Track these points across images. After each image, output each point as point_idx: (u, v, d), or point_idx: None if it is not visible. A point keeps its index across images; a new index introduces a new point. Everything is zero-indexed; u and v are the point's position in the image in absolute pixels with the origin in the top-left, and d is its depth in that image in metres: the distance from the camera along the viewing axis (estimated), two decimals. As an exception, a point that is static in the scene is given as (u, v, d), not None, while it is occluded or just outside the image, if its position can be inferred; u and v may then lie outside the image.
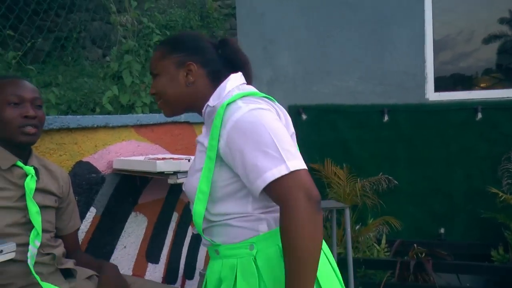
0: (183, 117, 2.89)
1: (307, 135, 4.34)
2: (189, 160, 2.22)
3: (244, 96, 1.25)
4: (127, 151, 2.49)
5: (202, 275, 2.58)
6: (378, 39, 4.32)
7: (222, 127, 1.21)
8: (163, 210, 2.78)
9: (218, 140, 1.21)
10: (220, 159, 1.24)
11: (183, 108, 1.42)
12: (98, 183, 2.32)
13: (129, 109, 3.32)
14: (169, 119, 2.78)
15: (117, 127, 2.44)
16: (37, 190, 1.65)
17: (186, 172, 2.21)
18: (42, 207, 1.66)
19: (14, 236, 1.56)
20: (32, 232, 1.60)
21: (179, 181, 2.17)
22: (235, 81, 1.34)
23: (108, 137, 2.39)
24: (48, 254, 1.67)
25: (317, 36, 4.43)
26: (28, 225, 1.61)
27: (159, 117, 2.72)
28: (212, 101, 1.32)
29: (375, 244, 4.08)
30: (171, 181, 2.17)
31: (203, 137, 1.32)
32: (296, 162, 1.12)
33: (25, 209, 1.61)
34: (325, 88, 4.42)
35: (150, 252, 2.69)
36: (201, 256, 3.16)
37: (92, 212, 2.28)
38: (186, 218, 2.99)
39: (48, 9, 3.69)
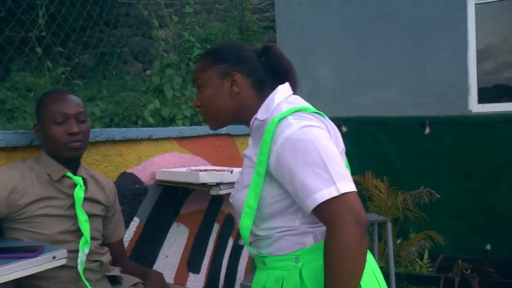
0: (224, 129, 2.93)
1: (347, 147, 4.19)
2: (231, 172, 2.24)
3: (295, 112, 1.22)
4: (170, 162, 2.54)
5: (243, 286, 2.58)
6: (419, 49, 4.26)
7: (272, 143, 1.19)
8: (204, 221, 2.80)
9: (268, 156, 1.20)
10: (269, 175, 1.22)
11: (229, 120, 1.39)
12: (142, 194, 2.37)
13: (170, 121, 3.38)
14: (210, 132, 2.81)
15: (160, 139, 2.49)
16: (85, 199, 1.70)
17: (228, 183, 2.23)
18: (90, 216, 1.71)
19: (65, 243, 1.61)
20: (82, 239, 1.66)
21: (221, 192, 2.19)
22: (283, 93, 1.31)
23: (152, 149, 2.44)
24: (96, 261, 1.72)
25: (356, 47, 4.42)
26: (77, 232, 1.66)
27: (201, 129, 2.77)
28: (260, 114, 1.29)
29: (417, 259, 3.99)
30: (213, 192, 2.20)
31: (250, 151, 1.30)
32: (346, 184, 1.10)
33: (74, 217, 1.66)
34: (365, 100, 4.39)
35: (191, 262, 2.72)
36: (241, 267, 3.17)
37: (135, 222, 2.33)
38: (227, 229, 3.01)
39: (93, 25, 3.83)
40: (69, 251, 1.57)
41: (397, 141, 4.32)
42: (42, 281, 1.58)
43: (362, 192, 4.18)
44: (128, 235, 2.31)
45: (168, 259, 2.54)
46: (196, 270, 2.77)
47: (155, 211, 2.45)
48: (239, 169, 2.33)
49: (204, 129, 2.79)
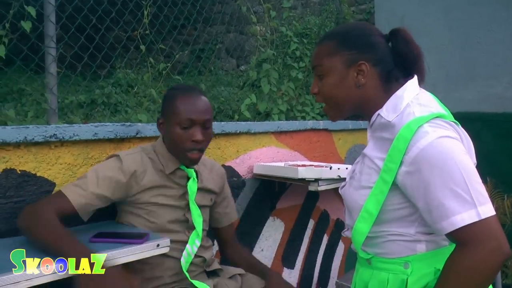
0: (322, 124, 2.89)
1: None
2: (330, 168, 2.20)
3: (432, 119, 1.12)
4: (267, 156, 2.55)
5: (338, 285, 2.53)
6: (534, 39, 3.89)
7: (406, 152, 1.10)
8: (300, 217, 2.79)
9: (399, 166, 1.12)
10: (395, 184, 1.14)
11: (351, 112, 1.29)
12: (239, 187, 2.41)
13: (266, 116, 3.39)
14: (308, 126, 2.79)
15: (258, 133, 2.51)
16: (197, 190, 1.72)
17: (327, 180, 2.19)
18: (201, 207, 1.73)
19: (173, 233, 1.66)
20: (193, 233, 1.69)
21: (320, 188, 2.16)
22: (412, 91, 1.22)
23: (250, 143, 2.46)
24: (200, 256, 1.73)
25: (461, 37, 4.14)
26: (186, 223, 1.70)
27: (299, 124, 2.75)
28: (386, 113, 1.20)
29: (526, 270, 3.67)
30: (312, 188, 2.17)
31: (372, 152, 1.21)
32: (488, 207, 1.04)
33: (185, 208, 1.70)
34: (469, 94, 4.10)
35: (286, 257, 2.71)
36: (335, 265, 3.11)
37: (233, 215, 2.36)
38: (322, 226, 2.97)
39: (194, 23, 3.95)
40: (176, 241, 1.63)
41: (504, 139, 3.98)
42: (146, 266, 1.63)
43: (463, 193, 3.92)
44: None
45: (264, 252, 2.56)
46: (291, 266, 2.76)
47: (252, 204, 2.47)
48: (338, 165, 2.29)
49: (302, 124, 2.78)
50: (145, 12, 2.88)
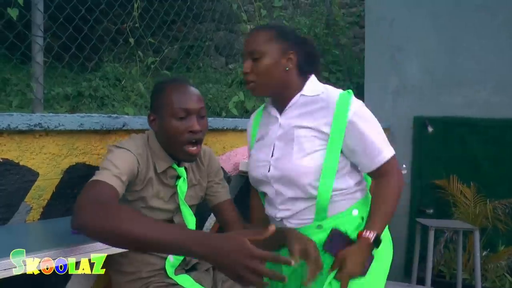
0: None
1: (432, 148, 4.10)
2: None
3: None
4: (253, 154, 2.54)
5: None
6: (520, 45, 3.94)
7: (348, 112, 1.52)
8: (284, 215, 2.78)
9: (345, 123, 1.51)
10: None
11: (274, 90, 1.61)
12: (225, 184, 2.39)
13: (253, 114, 3.40)
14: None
15: (245, 130, 2.48)
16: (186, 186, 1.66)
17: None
18: (190, 206, 1.69)
19: None
20: None
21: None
22: (317, 81, 1.64)
23: (236, 139, 2.46)
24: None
25: (448, 42, 4.18)
26: (171, 223, 1.64)
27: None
28: (309, 92, 1.59)
29: (506, 275, 3.71)
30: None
31: (306, 123, 1.55)
32: (392, 148, 1.60)
33: (173, 210, 1.65)
34: (455, 99, 4.14)
35: (268, 256, 2.70)
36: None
37: (217, 211, 2.35)
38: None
39: (183, 19, 3.94)
40: None
41: (488, 144, 4.03)
42: (125, 260, 1.61)
43: (446, 197, 3.96)
44: (209, 224, 2.34)
45: (247, 250, 2.55)
46: (273, 264, 2.76)
47: (237, 201, 2.44)
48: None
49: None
50: (135, 5, 2.87)
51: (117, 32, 3.45)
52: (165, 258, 1.64)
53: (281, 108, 1.64)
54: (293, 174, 1.53)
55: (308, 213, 1.58)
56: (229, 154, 2.42)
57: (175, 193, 1.64)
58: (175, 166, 1.62)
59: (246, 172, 2.42)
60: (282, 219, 1.62)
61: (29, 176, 1.63)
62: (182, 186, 1.63)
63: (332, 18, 4.52)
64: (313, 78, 1.63)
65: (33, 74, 2.27)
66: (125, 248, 1.24)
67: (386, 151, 1.56)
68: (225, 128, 2.38)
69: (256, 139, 1.75)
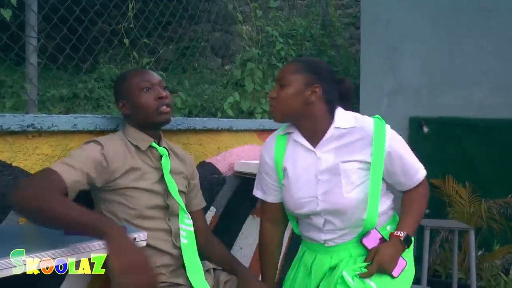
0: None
1: (428, 149, 4.10)
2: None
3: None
4: (249, 154, 2.54)
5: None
6: (516, 46, 3.94)
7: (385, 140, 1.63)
8: (279, 216, 2.78)
9: (384, 151, 1.62)
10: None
11: (292, 119, 1.70)
12: (219, 184, 2.39)
13: (249, 115, 3.40)
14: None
15: (240, 131, 2.50)
16: (170, 172, 1.72)
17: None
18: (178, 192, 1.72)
19: (153, 220, 1.64)
20: (180, 211, 1.69)
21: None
22: (344, 111, 1.71)
23: (231, 140, 2.46)
24: (179, 248, 1.70)
25: (445, 44, 4.19)
26: (166, 209, 1.69)
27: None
28: (341, 124, 1.65)
29: (501, 274, 3.71)
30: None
31: (347, 157, 1.63)
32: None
33: (164, 193, 1.69)
34: (451, 100, 4.15)
35: (264, 256, 2.70)
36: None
37: (212, 211, 2.35)
38: (301, 226, 2.97)
39: (179, 19, 3.93)
40: (157, 229, 1.63)
41: (483, 145, 4.04)
42: None
43: (442, 197, 3.96)
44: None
45: (243, 251, 2.55)
46: (269, 265, 2.75)
47: (232, 202, 2.46)
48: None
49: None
50: (130, 6, 2.86)
51: (112, 33, 3.45)
52: (168, 256, 1.66)
53: (313, 140, 1.69)
54: (345, 207, 1.62)
55: (353, 234, 1.67)
56: (224, 155, 2.41)
57: (162, 176, 1.70)
58: (155, 145, 1.72)
59: (241, 173, 2.43)
60: (325, 240, 1.71)
61: (22, 177, 1.62)
62: (165, 162, 1.71)
63: (328, 19, 4.52)
64: (340, 109, 1.69)
65: (27, 75, 2.26)
66: (50, 227, 1.33)
67: (422, 169, 1.72)
68: (220, 128, 2.37)
69: (284, 167, 1.75)
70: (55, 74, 4.72)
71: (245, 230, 2.57)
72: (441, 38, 4.21)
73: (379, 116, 1.67)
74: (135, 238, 1.47)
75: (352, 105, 1.79)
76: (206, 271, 1.77)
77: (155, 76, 1.76)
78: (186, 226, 1.71)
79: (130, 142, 1.69)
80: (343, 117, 1.67)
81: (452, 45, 4.15)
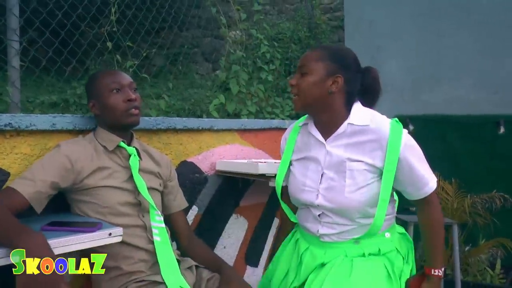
0: (287, 123, 2.91)
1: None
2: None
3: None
4: (231, 154, 2.57)
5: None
6: (496, 42, 3.99)
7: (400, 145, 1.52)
8: (264, 215, 2.80)
9: (399, 156, 1.52)
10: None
11: (313, 109, 1.62)
12: (201, 183, 2.41)
13: (235, 117, 3.42)
14: (273, 125, 2.82)
15: (222, 130, 2.52)
16: (140, 170, 1.74)
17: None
18: (149, 189, 1.74)
19: (126, 216, 1.67)
20: (150, 208, 1.71)
21: (280, 183, 2.18)
22: (362, 107, 1.61)
23: (213, 139, 2.48)
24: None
25: (427, 42, 4.24)
26: (138, 206, 1.71)
27: (263, 123, 2.77)
28: (356, 121, 1.57)
29: (487, 269, 3.74)
30: (272, 183, 2.19)
31: (356, 156, 1.56)
32: (435, 177, 1.62)
33: (134, 191, 1.71)
34: (435, 97, 4.20)
35: (249, 255, 2.72)
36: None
37: (194, 211, 2.37)
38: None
39: (171, 25, 3.95)
40: (131, 226, 1.65)
41: (468, 141, 4.09)
42: (111, 261, 1.63)
43: (429, 194, 3.99)
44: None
45: (226, 250, 2.57)
46: (255, 264, 2.78)
47: (214, 201, 2.48)
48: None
49: (267, 123, 2.80)
50: (112, 9, 2.88)
51: (96, 38, 3.46)
52: (144, 252, 1.68)
53: (325, 133, 1.64)
54: (345, 207, 1.58)
55: (351, 233, 1.63)
56: (206, 154, 2.44)
57: (131, 175, 1.71)
58: (124, 145, 1.74)
59: (223, 172, 2.45)
60: (322, 235, 1.67)
61: (0, 176, 1.64)
62: (133, 161, 1.73)
63: (314, 21, 4.57)
64: (358, 104, 1.60)
65: (9, 78, 2.29)
66: None
67: (432, 182, 1.59)
68: (200, 128, 2.39)
69: (294, 154, 1.76)
70: (43, 80, 4.73)
71: (229, 229, 2.58)
72: (423, 36, 4.26)
73: (397, 119, 1.58)
74: (110, 234, 1.50)
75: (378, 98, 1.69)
76: (188, 268, 1.79)
77: (126, 78, 1.76)
78: (157, 223, 1.72)
79: (99, 142, 1.73)
80: (359, 113, 1.58)
81: (434, 42, 4.21)
